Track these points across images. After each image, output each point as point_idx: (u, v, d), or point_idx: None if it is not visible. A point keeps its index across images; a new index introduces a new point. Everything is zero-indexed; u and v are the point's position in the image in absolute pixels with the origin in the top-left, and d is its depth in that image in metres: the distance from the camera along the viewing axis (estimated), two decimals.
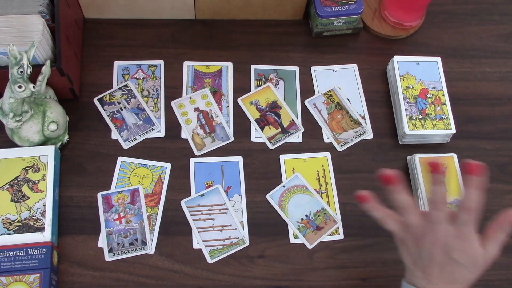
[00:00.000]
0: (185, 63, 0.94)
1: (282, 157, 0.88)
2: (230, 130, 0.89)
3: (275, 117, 0.91)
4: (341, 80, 0.94)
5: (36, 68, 0.79)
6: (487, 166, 0.88)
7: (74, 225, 0.82)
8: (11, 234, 0.78)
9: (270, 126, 0.90)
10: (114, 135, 0.88)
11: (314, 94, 0.93)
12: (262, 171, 0.87)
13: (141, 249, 0.81)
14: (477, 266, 0.63)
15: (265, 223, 0.84)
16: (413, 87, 0.90)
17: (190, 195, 0.84)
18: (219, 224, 0.83)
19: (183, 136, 0.89)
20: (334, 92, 0.93)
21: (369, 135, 0.90)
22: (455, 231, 0.63)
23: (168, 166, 0.86)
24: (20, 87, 0.75)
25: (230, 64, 0.94)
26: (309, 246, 0.82)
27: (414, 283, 0.64)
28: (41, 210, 0.79)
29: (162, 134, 0.89)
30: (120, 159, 0.86)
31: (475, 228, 0.64)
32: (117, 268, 0.80)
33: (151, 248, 0.81)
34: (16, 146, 0.83)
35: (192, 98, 0.91)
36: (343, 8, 0.93)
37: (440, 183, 0.66)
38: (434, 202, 0.65)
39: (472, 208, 0.63)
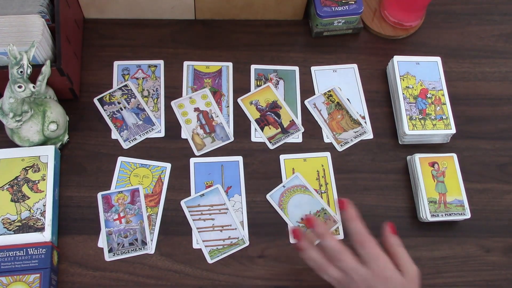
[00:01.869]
0: (185, 63, 0.94)
1: (282, 157, 0.88)
2: (230, 130, 0.89)
3: (275, 117, 0.91)
4: (341, 80, 0.94)
5: (36, 68, 0.79)
6: (487, 166, 0.89)
7: (74, 225, 0.82)
8: (11, 234, 0.78)
9: (270, 126, 0.90)
10: (114, 135, 0.88)
11: (314, 94, 0.93)
12: (262, 171, 0.87)
13: (141, 249, 0.81)
14: None
15: (265, 223, 0.84)
16: (413, 87, 0.90)
17: (190, 195, 0.84)
18: (219, 224, 0.83)
19: (183, 136, 0.89)
20: (334, 92, 0.93)
21: (369, 135, 0.90)
22: (370, 272, 0.64)
23: (168, 166, 0.86)
24: (20, 87, 0.75)
25: (230, 64, 0.94)
26: None
27: None
28: (41, 210, 0.79)
29: (162, 134, 0.89)
30: (120, 159, 0.86)
31: (383, 256, 0.65)
32: (117, 268, 0.80)
33: (151, 248, 0.81)
34: (16, 146, 0.83)
35: (192, 98, 0.91)
36: (343, 8, 0.93)
37: (354, 219, 0.66)
38: (359, 242, 0.65)
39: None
